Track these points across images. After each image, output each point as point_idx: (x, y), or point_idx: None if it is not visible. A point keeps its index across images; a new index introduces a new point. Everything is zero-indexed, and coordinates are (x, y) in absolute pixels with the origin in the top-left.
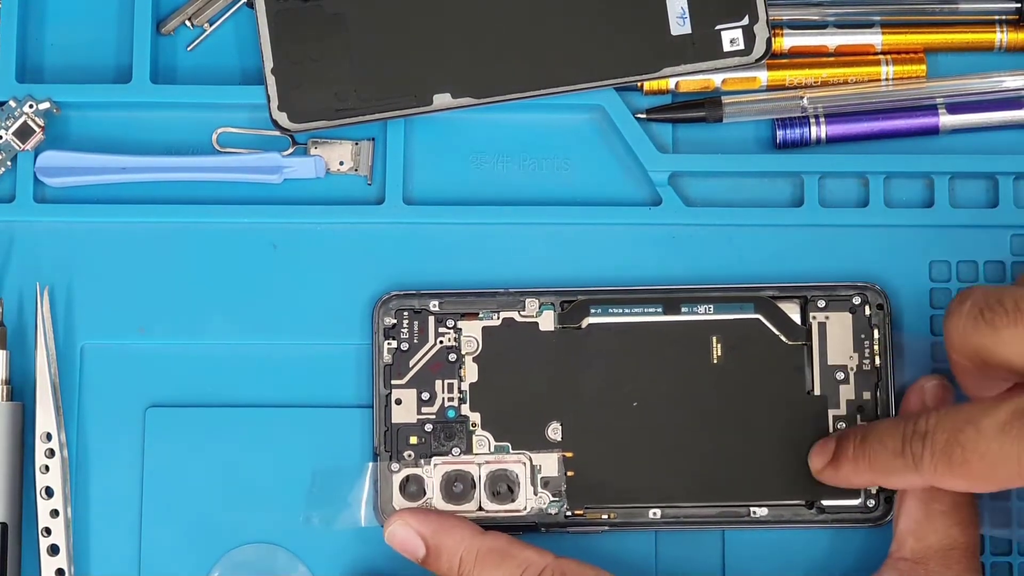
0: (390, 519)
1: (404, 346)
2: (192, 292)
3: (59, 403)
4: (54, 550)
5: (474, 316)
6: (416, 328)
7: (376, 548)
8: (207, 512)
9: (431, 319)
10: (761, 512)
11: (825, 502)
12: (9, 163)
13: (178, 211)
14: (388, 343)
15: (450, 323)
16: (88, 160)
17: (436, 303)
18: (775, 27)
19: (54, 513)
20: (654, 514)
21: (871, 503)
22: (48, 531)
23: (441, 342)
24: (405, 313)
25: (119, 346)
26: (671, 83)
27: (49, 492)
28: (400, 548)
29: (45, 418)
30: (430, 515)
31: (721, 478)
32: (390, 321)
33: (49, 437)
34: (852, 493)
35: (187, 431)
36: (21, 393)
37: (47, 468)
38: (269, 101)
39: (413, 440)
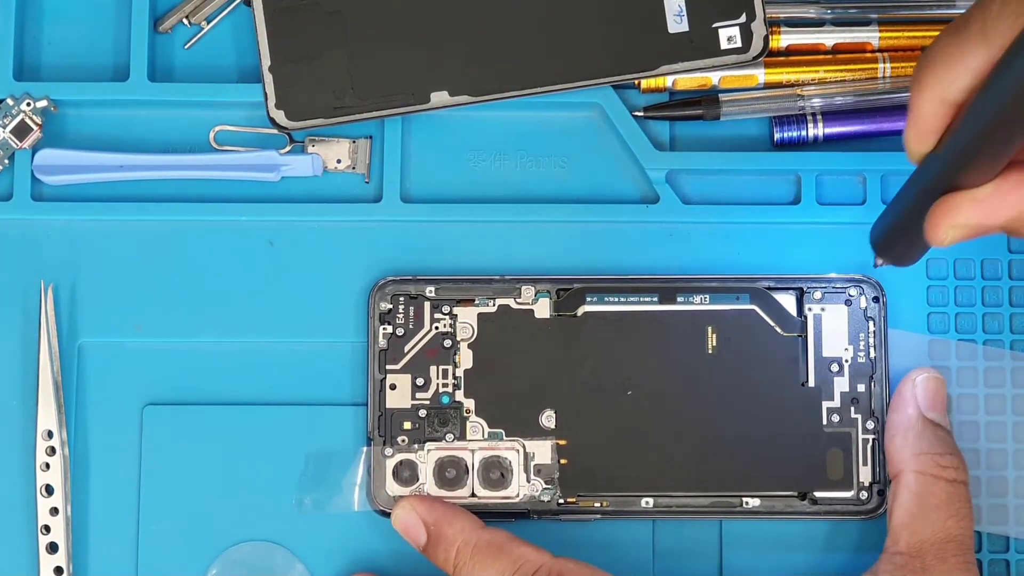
0: (397, 503)
1: (399, 331)
2: (189, 290)
3: (60, 401)
4: (53, 548)
5: (470, 303)
6: (412, 314)
7: (373, 546)
8: (204, 510)
9: (427, 305)
10: (754, 503)
11: (818, 494)
12: (7, 161)
13: (175, 209)
14: (383, 328)
15: (446, 309)
16: (85, 158)
17: (432, 289)
18: (772, 25)
19: (54, 511)
20: (647, 503)
21: (864, 495)
22: (47, 528)
23: (436, 328)
24: (401, 298)
25: (116, 344)
26: (668, 81)
27: (49, 490)
28: (403, 532)
29: (46, 416)
30: (436, 503)
31: (714, 468)
32: (386, 306)
33: (50, 435)
34: (844, 485)
35: (184, 429)
36: (22, 391)
37: (47, 466)
38: (267, 99)
39: (407, 425)
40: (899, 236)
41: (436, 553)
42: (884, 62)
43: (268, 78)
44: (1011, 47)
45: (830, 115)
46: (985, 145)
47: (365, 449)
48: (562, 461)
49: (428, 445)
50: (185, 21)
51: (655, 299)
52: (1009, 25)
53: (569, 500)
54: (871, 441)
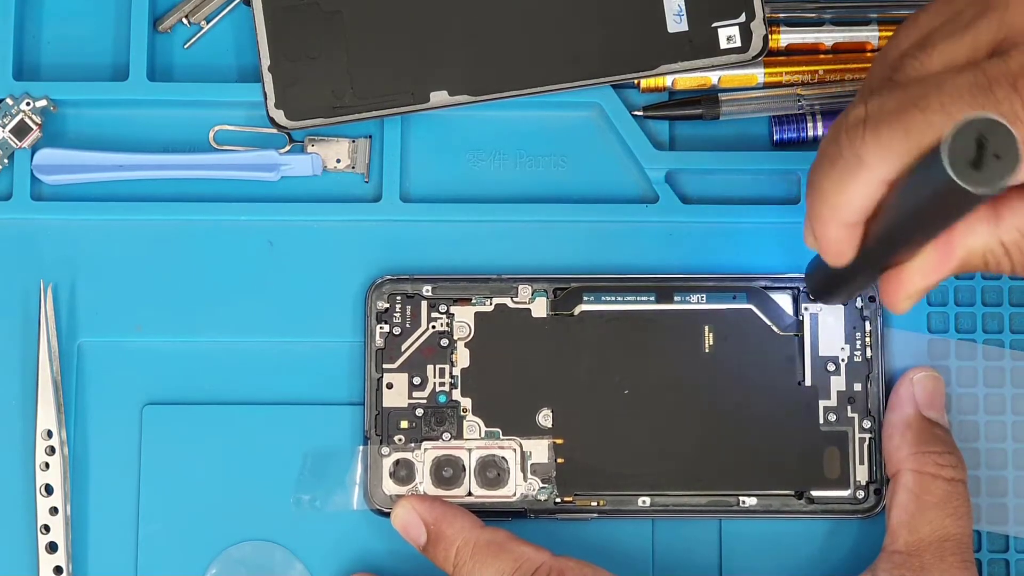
0: (397, 503)
1: (396, 330)
2: (189, 290)
3: (60, 401)
4: (52, 547)
5: (467, 302)
6: (409, 313)
7: (372, 545)
8: (204, 509)
9: (424, 304)
10: (751, 502)
11: (815, 492)
12: (6, 161)
13: (175, 208)
14: (380, 327)
15: (443, 308)
16: (85, 158)
17: (429, 288)
18: (772, 24)
19: (53, 510)
20: (644, 502)
21: (861, 494)
22: (47, 528)
23: (433, 327)
24: (398, 297)
25: (116, 343)
26: (668, 80)
27: (48, 489)
28: (403, 532)
29: (46, 415)
30: (436, 503)
31: (711, 467)
32: (383, 305)
33: (50, 434)
34: (841, 484)
35: (184, 429)
36: (22, 391)
37: (47, 465)
38: (266, 99)
39: (404, 424)
40: (832, 287)
41: (436, 552)
42: None
43: (268, 78)
44: (918, 165)
45: (830, 115)
46: (913, 242)
47: (362, 448)
48: (559, 460)
49: (425, 444)
50: (185, 21)
51: (652, 298)
52: (883, 153)
53: (566, 499)
54: (868, 440)
